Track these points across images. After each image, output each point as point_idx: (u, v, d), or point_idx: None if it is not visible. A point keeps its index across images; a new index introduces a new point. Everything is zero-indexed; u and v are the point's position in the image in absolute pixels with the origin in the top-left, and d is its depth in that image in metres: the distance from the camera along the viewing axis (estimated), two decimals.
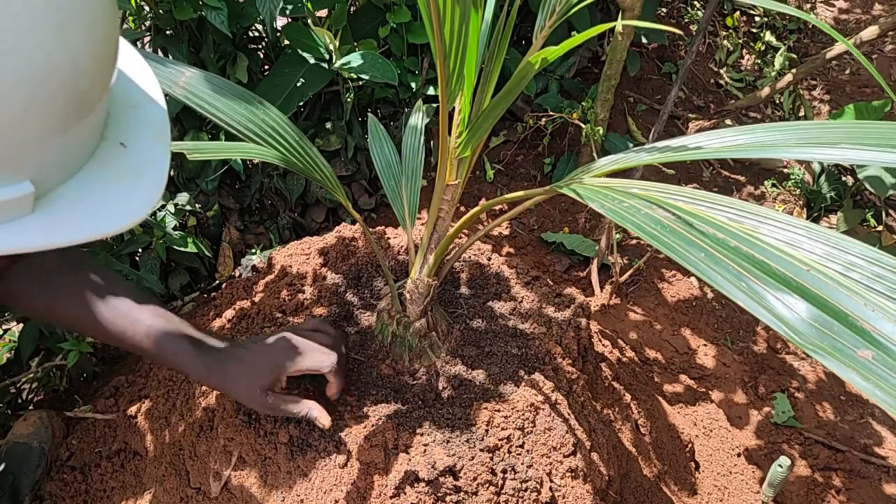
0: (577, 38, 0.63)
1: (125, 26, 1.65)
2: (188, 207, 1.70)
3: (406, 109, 2.12)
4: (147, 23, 1.65)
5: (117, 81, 0.53)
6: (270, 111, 0.94)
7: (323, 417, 0.89)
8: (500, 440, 0.93)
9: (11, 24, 0.39)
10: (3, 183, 0.43)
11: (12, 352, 1.48)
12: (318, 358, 0.91)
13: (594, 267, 2.00)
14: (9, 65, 0.39)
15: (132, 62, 0.59)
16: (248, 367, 0.88)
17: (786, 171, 2.46)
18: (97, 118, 0.49)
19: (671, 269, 2.08)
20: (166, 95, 0.80)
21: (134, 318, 0.87)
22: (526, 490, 0.90)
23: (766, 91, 2.48)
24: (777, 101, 2.79)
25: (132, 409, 1.26)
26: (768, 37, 2.99)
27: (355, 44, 1.84)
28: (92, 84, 0.46)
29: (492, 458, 0.91)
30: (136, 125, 0.54)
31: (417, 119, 1.15)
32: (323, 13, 1.93)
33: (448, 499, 0.86)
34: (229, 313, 1.18)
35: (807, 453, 1.62)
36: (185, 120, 1.80)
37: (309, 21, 1.78)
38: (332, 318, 1.13)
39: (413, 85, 2.00)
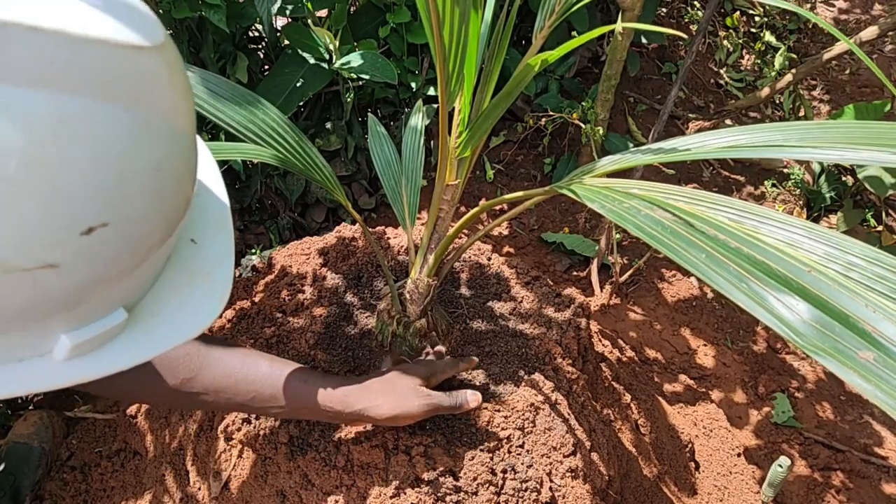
0: (576, 41, 0.63)
1: None
2: None
3: (406, 109, 2.12)
4: None
5: None
6: (270, 111, 0.94)
7: (475, 399, 0.89)
8: (500, 440, 0.93)
9: (114, 198, 0.39)
10: (99, 316, 0.44)
11: None
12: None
13: (594, 267, 2.00)
14: (111, 233, 0.40)
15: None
16: (398, 377, 0.85)
17: (786, 171, 2.46)
18: (175, 236, 0.50)
19: (671, 269, 2.08)
20: None
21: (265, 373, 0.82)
22: (526, 490, 0.90)
23: (766, 91, 2.48)
24: (777, 101, 2.79)
25: (132, 409, 1.26)
26: (768, 37, 2.99)
27: (355, 44, 1.84)
28: (178, 218, 0.47)
29: (492, 458, 0.91)
30: (201, 216, 0.54)
31: (417, 119, 1.15)
32: (323, 13, 1.93)
33: (448, 499, 0.86)
34: (229, 313, 1.18)
35: (807, 453, 1.62)
36: None
37: (309, 21, 1.78)
38: (333, 317, 1.13)
39: (413, 85, 2.00)
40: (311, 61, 1.81)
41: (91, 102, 0.37)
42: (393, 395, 0.83)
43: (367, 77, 1.76)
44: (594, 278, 1.99)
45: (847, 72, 2.97)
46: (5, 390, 0.43)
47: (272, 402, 0.81)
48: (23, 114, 0.34)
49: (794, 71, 2.41)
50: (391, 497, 0.86)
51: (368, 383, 0.84)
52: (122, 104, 0.38)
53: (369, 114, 1.24)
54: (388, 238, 1.32)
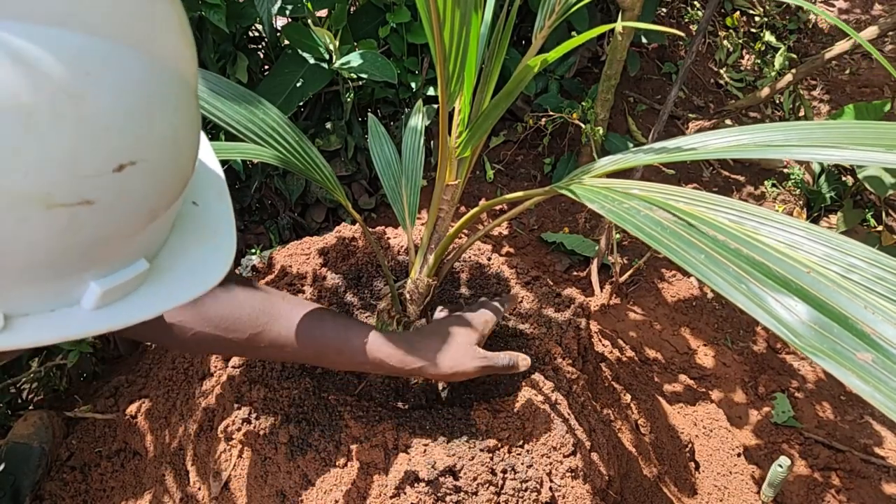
0: (576, 40, 0.63)
1: None
2: None
3: (406, 109, 2.12)
4: None
5: None
6: (270, 111, 0.94)
7: (526, 363, 0.92)
8: (500, 440, 0.93)
9: (143, 135, 0.42)
10: (125, 265, 0.47)
11: None
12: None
13: (594, 267, 2.00)
14: (141, 171, 0.42)
15: None
16: (454, 335, 0.89)
17: (786, 171, 2.46)
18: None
19: (671, 269, 2.08)
20: None
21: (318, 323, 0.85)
22: (526, 490, 0.90)
23: (766, 91, 2.48)
24: (777, 101, 2.79)
25: (132, 409, 1.26)
26: (768, 37, 2.99)
27: (355, 44, 1.84)
28: (189, 171, 0.50)
29: (492, 458, 0.91)
30: (200, 186, 0.58)
31: (417, 119, 1.15)
32: (323, 13, 1.93)
33: (448, 499, 0.86)
34: None
35: (807, 453, 1.62)
36: None
37: (309, 21, 1.78)
38: None
39: (413, 85, 2.00)
40: (311, 61, 1.81)
41: (113, 44, 0.39)
42: (449, 353, 0.87)
43: (366, 77, 1.76)
44: (594, 278, 1.99)
45: (847, 72, 2.97)
46: (39, 338, 0.45)
47: (336, 358, 0.86)
48: (63, 49, 0.37)
49: (794, 71, 2.41)
50: (391, 497, 0.86)
51: (427, 342, 0.88)
52: (141, 46, 0.41)
53: (369, 114, 1.24)
54: (388, 238, 1.32)
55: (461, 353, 0.87)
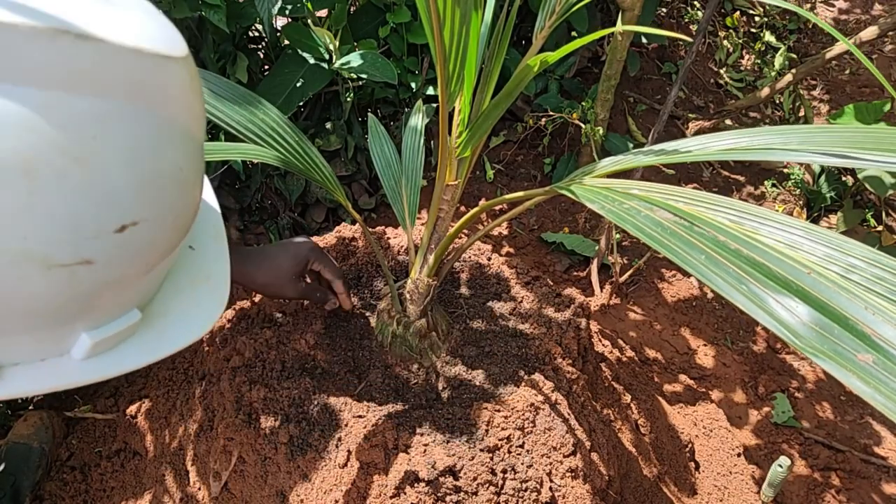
0: (576, 43, 0.63)
1: None
2: None
3: (406, 109, 2.12)
4: None
5: None
6: (270, 111, 0.94)
7: (346, 302, 1.07)
8: (500, 440, 0.94)
9: (146, 196, 0.42)
10: (117, 316, 0.47)
11: None
12: (335, 267, 1.06)
13: (594, 267, 2.00)
14: (143, 231, 0.43)
15: None
16: (278, 258, 1.00)
17: (786, 171, 2.46)
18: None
19: (671, 269, 2.08)
20: None
21: None
22: (526, 490, 0.91)
23: (766, 91, 2.48)
24: (777, 101, 2.79)
25: (132, 409, 1.26)
26: (768, 37, 2.99)
27: (355, 44, 1.84)
28: (189, 223, 0.50)
29: (492, 458, 0.91)
30: (198, 228, 0.59)
31: (417, 119, 1.15)
32: (323, 13, 1.93)
33: (448, 499, 0.86)
34: (229, 313, 1.18)
35: (807, 453, 1.62)
36: None
37: (309, 21, 1.78)
38: (333, 318, 1.13)
39: (413, 85, 2.00)
40: (311, 61, 1.81)
41: (125, 105, 0.40)
42: (273, 272, 0.99)
43: (366, 77, 1.76)
44: (594, 278, 1.99)
45: (847, 72, 2.97)
46: (27, 388, 0.46)
47: None
48: (68, 114, 0.37)
49: (794, 71, 2.41)
50: (391, 497, 0.86)
51: (260, 261, 0.99)
52: (151, 108, 0.41)
53: (369, 114, 1.24)
54: (388, 238, 1.32)
55: (282, 281, 0.99)
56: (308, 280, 1.07)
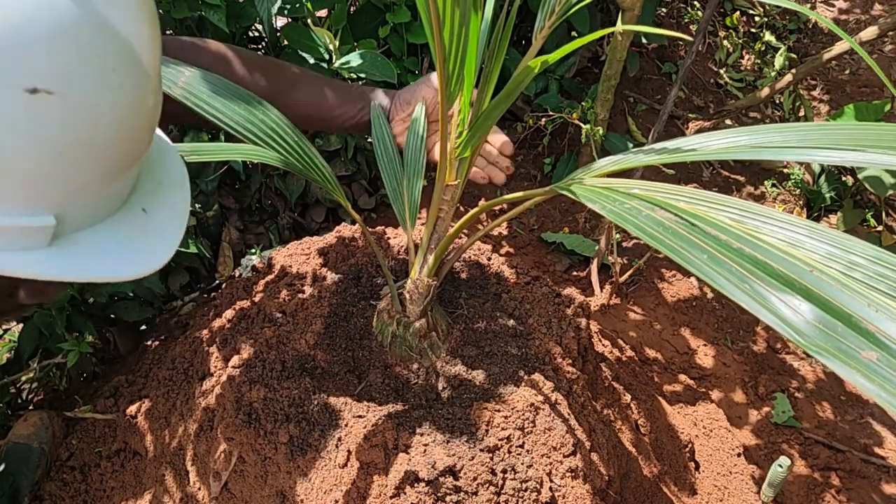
0: (576, 43, 0.63)
1: None
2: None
3: None
4: None
5: (152, 160, 0.60)
6: (270, 111, 0.94)
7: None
8: (500, 440, 0.93)
9: (65, 69, 0.43)
10: (30, 213, 0.48)
11: (12, 352, 1.48)
12: None
13: (594, 267, 2.00)
14: (56, 107, 0.43)
15: (162, 145, 0.65)
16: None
17: (786, 171, 2.46)
18: (126, 181, 0.55)
19: (671, 269, 2.08)
20: (166, 95, 0.81)
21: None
22: (526, 490, 0.90)
23: (766, 91, 2.48)
24: (777, 101, 2.79)
25: (132, 409, 1.26)
26: (768, 37, 2.99)
27: (355, 44, 1.84)
28: (125, 148, 0.51)
29: (492, 458, 0.91)
30: (159, 199, 0.60)
31: (420, 119, 1.15)
32: (323, 13, 1.93)
33: (448, 499, 0.86)
34: (229, 313, 1.18)
35: (807, 453, 1.62)
36: None
37: (309, 21, 1.78)
38: (333, 318, 1.13)
39: None
40: (311, 61, 1.81)
41: None
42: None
43: (366, 77, 1.76)
44: (594, 278, 1.98)
45: (847, 72, 2.97)
46: None
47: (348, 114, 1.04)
48: None
49: (794, 71, 2.41)
50: (391, 497, 0.86)
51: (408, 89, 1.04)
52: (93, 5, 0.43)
53: (372, 103, 1.23)
54: (388, 238, 1.31)
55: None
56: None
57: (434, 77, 1.01)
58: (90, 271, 0.52)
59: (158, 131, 0.64)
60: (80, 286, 1.36)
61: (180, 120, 1.08)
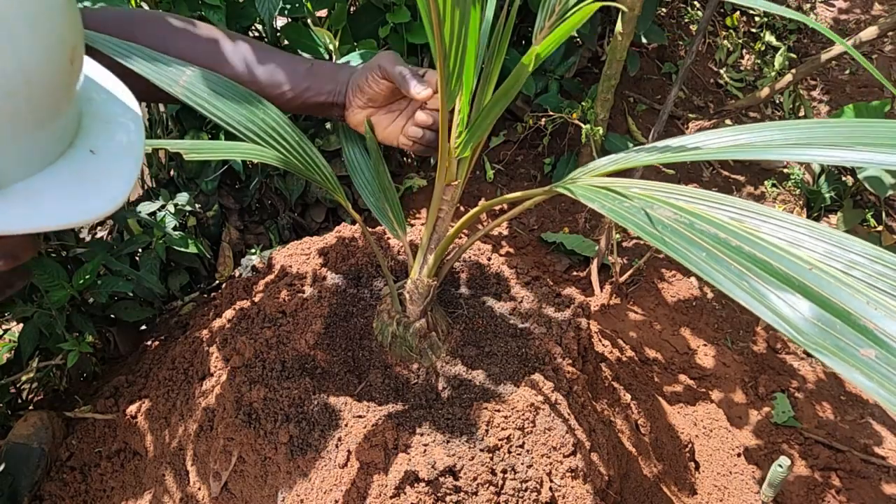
0: (565, 27, 0.63)
1: None
2: (188, 207, 1.70)
3: None
4: None
5: (94, 98, 0.58)
6: (270, 111, 0.94)
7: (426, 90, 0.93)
8: (500, 440, 0.93)
9: None
10: None
11: (12, 352, 1.48)
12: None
13: (594, 267, 2.00)
14: None
15: (112, 85, 0.64)
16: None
17: (786, 171, 2.46)
18: (60, 126, 0.53)
19: (671, 269, 2.08)
20: (131, 71, 0.81)
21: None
22: (526, 490, 0.90)
23: (765, 91, 2.48)
24: (777, 101, 2.79)
25: (132, 409, 1.26)
26: (768, 37, 2.99)
27: (355, 44, 1.84)
28: (47, 94, 0.49)
29: (492, 458, 0.91)
30: (108, 139, 0.58)
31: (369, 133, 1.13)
32: (323, 13, 1.93)
33: (448, 499, 0.86)
34: (229, 313, 1.18)
35: (807, 453, 1.62)
36: (185, 119, 1.80)
37: (309, 21, 1.78)
38: (333, 318, 1.13)
39: None
40: None
41: None
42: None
43: None
44: (594, 278, 1.98)
45: (847, 72, 2.97)
46: None
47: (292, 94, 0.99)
48: None
49: (794, 71, 2.41)
50: (391, 497, 0.86)
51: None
52: None
53: (344, 144, 1.19)
54: (388, 238, 1.32)
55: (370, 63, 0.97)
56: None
57: (384, 53, 0.98)
58: (41, 220, 0.51)
59: (103, 69, 0.63)
60: (80, 285, 1.36)
61: (150, 98, 1.04)
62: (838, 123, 0.59)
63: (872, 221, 2.30)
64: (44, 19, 0.47)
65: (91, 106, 0.57)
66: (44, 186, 0.52)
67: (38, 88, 0.48)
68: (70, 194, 0.53)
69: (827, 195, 2.33)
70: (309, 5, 1.77)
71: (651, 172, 2.36)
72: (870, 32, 2.15)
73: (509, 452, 0.93)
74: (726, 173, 2.49)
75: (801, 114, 2.70)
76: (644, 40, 2.66)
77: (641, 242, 2.17)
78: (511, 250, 2.09)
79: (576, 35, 2.29)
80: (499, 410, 0.96)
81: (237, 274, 1.87)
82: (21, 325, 1.43)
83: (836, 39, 0.69)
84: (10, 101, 0.47)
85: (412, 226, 1.39)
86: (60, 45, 0.49)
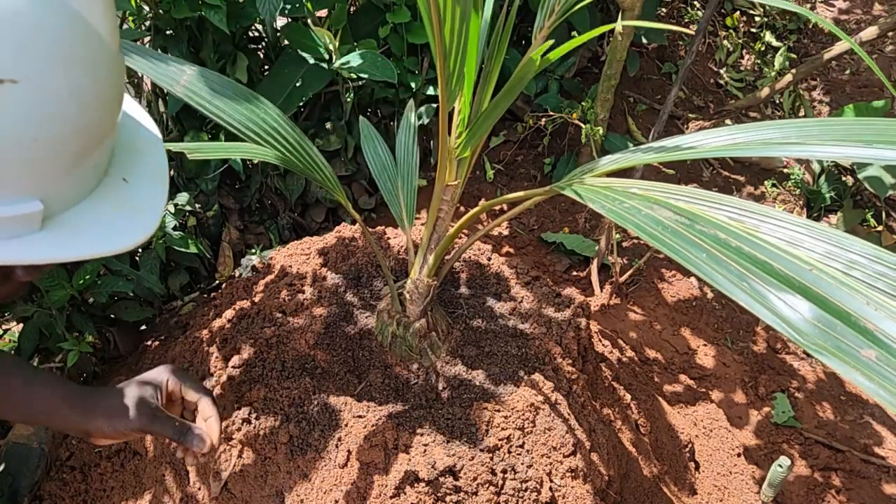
0: (576, 41, 0.63)
1: (125, 26, 1.65)
2: (188, 207, 1.70)
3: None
4: (147, 23, 1.65)
5: (123, 127, 0.60)
6: (270, 111, 0.94)
7: (213, 431, 0.79)
8: (500, 440, 0.93)
9: (24, 56, 0.44)
10: (17, 201, 0.49)
11: (12, 352, 1.48)
12: (199, 385, 0.83)
13: (594, 267, 2.00)
14: (18, 96, 0.44)
15: (136, 112, 0.66)
16: (125, 386, 0.80)
17: (786, 171, 2.46)
18: (102, 155, 0.55)
19: (671, 269, 2.08)
20: (166, 95, 0.81)
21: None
22: (526, 490, 0.90)
23: (765, 91, 2.48)
24: (777, 101, 2.79)
25: None
26: (768, 37, 2.99)
27: (355, 44, 1.84)
28: (96, 124, 0.52)
29: (492, 458, 0.91)
30: (138, 167, 0.61)
31: (410, 118, 1.15)
32: (323, 13, 1.93)
33: (448, 499, 0.86)
34: (229, 313, 1.18)
35: (807, 453, 1.62)
36: (186, 119, 1.80)
37: (309, 21, 1.78)
38: (333, 318, 1.13)
39: (413, 85, 2.00)
40: (311, 61, 1.81)
41: None
42: (116, 408, 0.77)
43: (366, 77, 1.76)
44: (594, 278, 1.98)
45: (847, 72, 2.97)
46: None
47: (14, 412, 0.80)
48: None
49: (794, 71, 2.41)
50: (391, 497, 0.86)
51: (98, 400, 0.78)
52: None
53: (360, 117, 1.24)
54: (388, 238, 1.31)
55: (125, 408, 0.77)
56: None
57: (135, 405, 0.77)
58: (85, 249, 0.53)
59: (127, 96, 0.65)
60: (80, 285, 1.36)
61: None
62: (835, 122, 0.59)
63: (872, 221, 2.30)
64: (93, 29, 0.49)
65: (119, 132, 0.60)
66: (86, 216, 0.54)
67: (95, 108, 0.51)
68: (110, 223, 0.55)
69: (827, 195, 2.33)
70: (309, 5, 1.77)
71: (651, 172, 2.35)
72: (870, 32, 2.15)
73: (509, 452, 0.93)
74: (726, 173, 2.49)
75: (801, 114, 2.70)
76: (644, 40, 2.66)
77: (641, 242, 2.16)
78: (511, 250, 2.09)
79: (576, 34, 2.29)
80: (499, 410, 0.96)
81: (237, 274, 1.87)
82: (21, 325, 1.43)
83: (840, 34, 0.69)
84: (75, 126, 0.49)
85: (412, 225, 1.39)
86: (109, 56, 0.52)
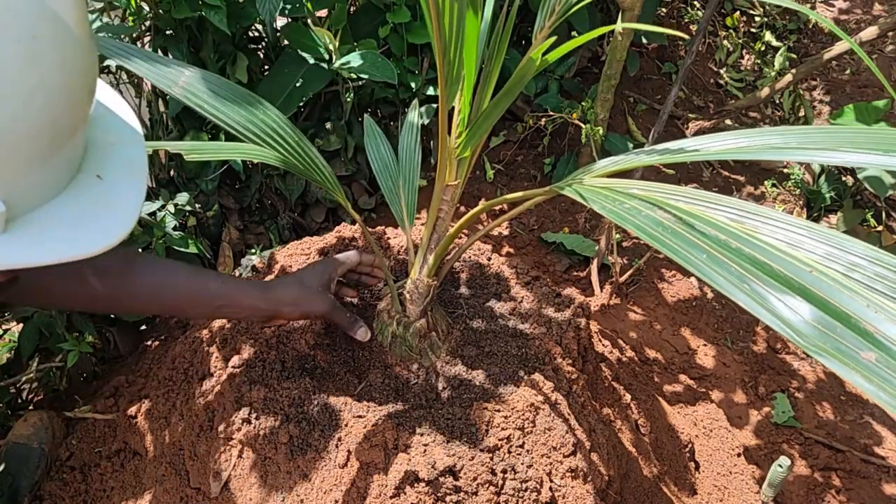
0: (576, 41, 0.63)
1: (125, 25, 1.65)
2: (188, 207, 1.70)
3: (406, 110, 2.11)
4: (147, 23, 1.65)
5: (97, 120, 0.57)
6: (270, 111, 0.94)
7: (363, 332, 1.03)
8: (500, 440, 0.93)
9: None
10: None
11: (12, 352, 1.48)
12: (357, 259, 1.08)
13: (594, 267, 2.00)
14: None
15: (113, 103, 0.62)
16: (302, 272, 1.02)
17: (786, 171, 2.46)
18: (72, 151, 0.52)
19: (671, 269, 2.08)
20: (166, 95, 0.81)
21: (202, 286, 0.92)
22: (526, 490, 0.90)
23: (765, 91, 2.48)
24: (777, 101, 2.79)
25: (132, 409, 1.26)
26: (768, 37, 2.99)
27: (355, 44, 1.84)
28: (65, 117, 0.48)
29: (492, 458, 0.91)
30: (114, 161, 0.57)
31: (414, 118, 1.15)
32: (323, 13, 1.93)
33: (448, 499, 0.86)
34: None
35: (807, 453, 1.62)
36: (185, 120, 1.80)
37: (309, 21, 1.78)
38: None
39: (413, 85, 2.00)
40: (311, 61, 1.81)
41: None
42: (300, 294, 0.98)
43: (366, 77, 1.76)
44: (594, 278, 1.98)
45: (847, 72, 2.97)
46: None
47: (198, 306, 0.95)
48: None
49: (794, 71, 2.41)
50: (391, 497, 0.86)
51: (280, 286, 0.98)
52: None
53: (365, 115, 1.24)
54: (388, 238, 1.31)
55: (311, 294, 0.99)
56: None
57: (318, 297, 1.01)
58: (53, 252, 0.50)
59: (106, 87, 0.62)
60: None
61: None
62: (837, 130, 0.59)
63: (872, 221, 2.30)
64: (56, 15, 0.46)
65: (93, 126, 0.56)
66: (55, 215, 0.51)
67: (61, 100, 0.47)
68: (81, 223, 0.52)
69: (827, 195, 2.33)
70: (309, 5, 1.77)
71: (651, 172, 2.35)
72: (870, 32, 2.15)
73: (509, 452, 0.93)
74: (726, 173, 2.49)
75: (801, 114, 2.70)
76: (644, 40, 2.66)
77: (641, 242, 2.16)
78: (511, 250, 2.09)
79: (576, 34, 2.29)
80: (499, 410, 0.96)
81: (237, 274, 1.87)
82: (21, 325, 1.43)
83: (841, 34, 0.69)
84: (30, 124, 0.46)
85: (412, 225, 1.39)
86: (76, 45, 0.48)
